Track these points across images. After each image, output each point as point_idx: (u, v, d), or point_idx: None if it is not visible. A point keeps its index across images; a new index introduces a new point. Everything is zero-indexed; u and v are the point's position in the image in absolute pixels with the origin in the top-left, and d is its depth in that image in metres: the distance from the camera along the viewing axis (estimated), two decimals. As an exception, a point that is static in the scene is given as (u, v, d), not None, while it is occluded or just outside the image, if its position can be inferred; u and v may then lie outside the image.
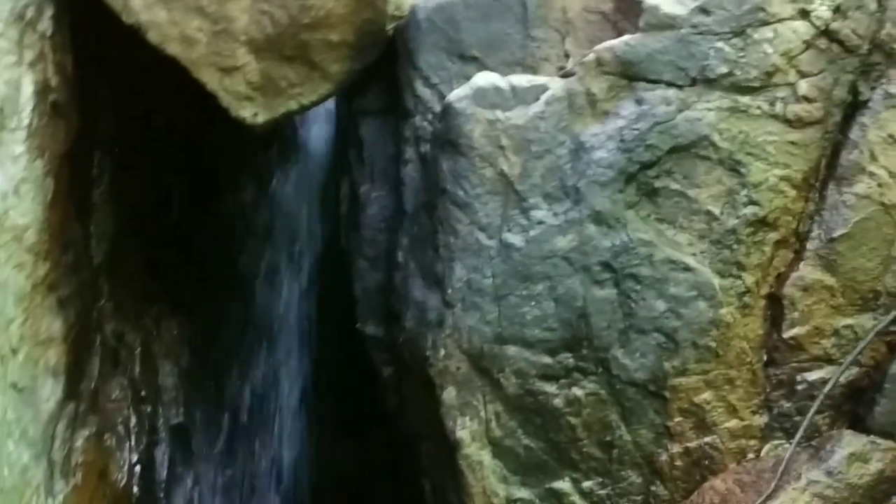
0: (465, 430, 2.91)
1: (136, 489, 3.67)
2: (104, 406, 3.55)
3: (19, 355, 2.74)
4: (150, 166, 3.90)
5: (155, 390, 4.02)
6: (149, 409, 3.93)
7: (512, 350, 2.87)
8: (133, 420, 3.75)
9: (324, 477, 4.21)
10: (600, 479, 2.88)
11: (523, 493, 2.91)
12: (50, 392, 2.90)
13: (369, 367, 3.48)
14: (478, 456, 2.92)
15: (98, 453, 3.22)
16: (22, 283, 2.78)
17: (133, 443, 3.72)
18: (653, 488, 2.89)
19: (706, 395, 2.85)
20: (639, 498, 2.88)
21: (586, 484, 2.89)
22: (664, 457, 2.87)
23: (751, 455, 2.89)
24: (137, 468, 3.71)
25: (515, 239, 2.86)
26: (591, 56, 2.89)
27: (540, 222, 2.86)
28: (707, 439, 2.89)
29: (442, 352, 2.94)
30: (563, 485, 2.90)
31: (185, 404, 4.19)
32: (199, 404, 4.18)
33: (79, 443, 3.04)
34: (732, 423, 2.86)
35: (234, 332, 4.23)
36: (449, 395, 2.92)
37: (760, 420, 2.87)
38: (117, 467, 3.51)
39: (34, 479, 2.67)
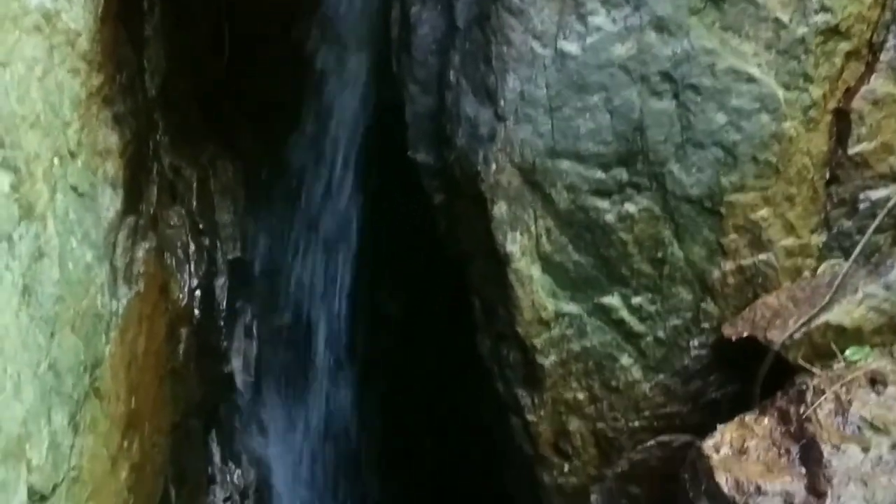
0: (515, 244, 2.82)
1: (196, 312, 3.72)
2: (163, 230, 3.60)
3: (78, 160, 2.72)
4: (201, 4, 3.83)
5: (212, 225, 4.03)
6: (206, 241, 3.95)
7: (565, 164, 2.74)
8: (192, 247, 3.78)
9: (374, 314, 4.27)
10: (650, 295, 2.78)
11: (572, 307, 2.86)
12: (109, 202, 2.89)
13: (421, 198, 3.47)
14: (527, 270, 2.86)
15: (159, 268, 3.24)
16: (77, 89, 2.73)
17: (192, 268, 3.76)
18: (703, 305, 2.80)
19: (763, 212, 2.72)
20: (688, 314, 2.79)
21: (635, 300, 2.80)
22: (716, 274, 2.76)
23: (806, 273, 2.78)
24: (198, 293, 3.75)
25: (571, 47, 2.70)
26: None
27: (597, 29, 2.69)
28: (762, 257, 2.76)
29: (493, 166, 2.83)
30: (612, 300, 2.82)
31: (243, 240, 4.25)
32: (256, 241, 4.24)
33: (140, 254, 3.05)
34: (789, 241, 2.73)
35: (289, 178, 4.24)
36: (499, 209, 2.82)
37: (818, 239, 2.74)
38: (178, 287, 3.56)
39: (98, 278, 2.70)
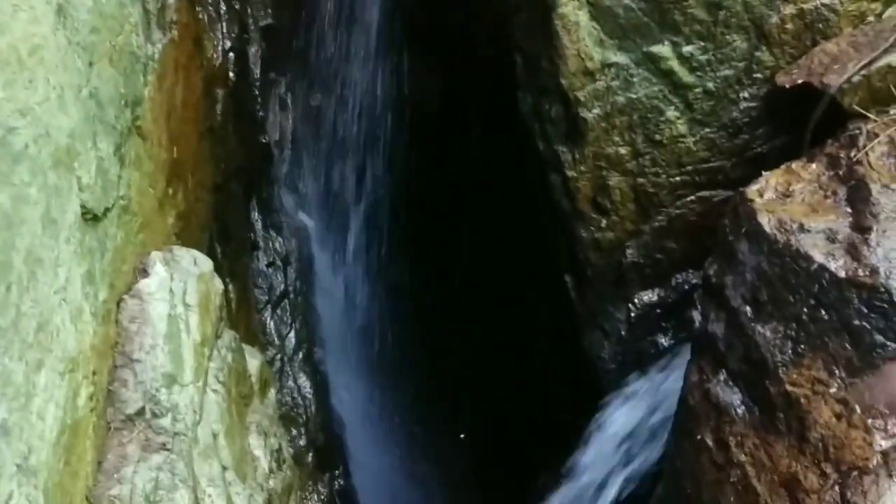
0: (562, -12, 2.78)
1: (231, 75, 3.65)
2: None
3: None
4: None
5: (243, -11, 3.93)
6: (237, 4, 3.85)
7: None
8: (223, 7, 3.68)
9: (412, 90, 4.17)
10: (702, 44, 2.64)
11: (619, 57, 2.71)
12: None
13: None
14: (574, 16, 2.70)
15: (191, 19, 3.11)
16: None
17: (225, 28, 3.64)
18: (757, 54, 2.65)
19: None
20: (741, 64, 2.66)
21: (687, 49, 2.65)
22: (774, 19, 2.59)
23: (870, 19, 2.62)
24: (231, 56, 3.67)
25: None
26: None
27: None
28: (825, 0, 2.67)
29: None
30: (662, 49, 2.67)
31: (274, 7, 4.11)
32: (286, 9, 4.10)
33: (171, 0, 2.99)
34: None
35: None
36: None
37: None
38: (212, 45, 3.45)
39: (131, 17, 2.60)
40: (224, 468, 2.31)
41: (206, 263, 2.61)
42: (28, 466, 1.50)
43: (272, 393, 2.87)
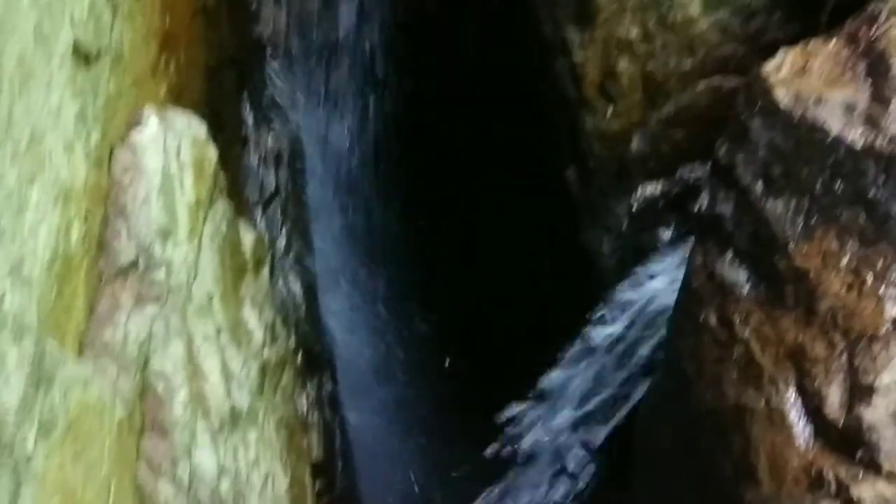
0: None
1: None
2: None
3: None
4: None
5: None
6: None
7: None
8: None
9: None
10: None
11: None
12: None
13: None
14: None
15: None
16: None
17: None
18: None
19: None
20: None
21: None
22: None
23: None
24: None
25: None
26: None
27: None
28: None
29: None
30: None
31: None
32: None
33: None
34: None
35: None
36: None
37: None
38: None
39: None
40: (218, 330, 2.26)
41: (201, 128, 2.52)
42: (21, 275, 1.44)
43: (265, 272, 2.83)
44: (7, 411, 1.39)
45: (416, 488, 3.89)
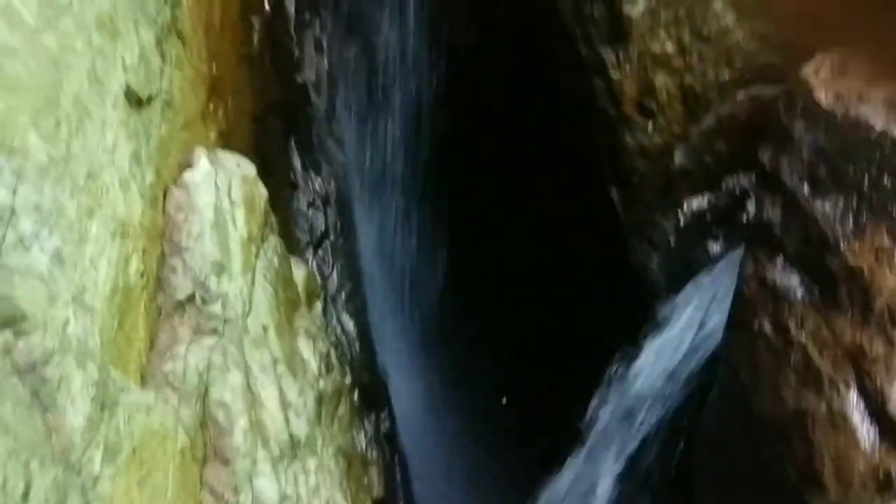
0: None
1: (267, 6, 3.70)
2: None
3: None
4: None
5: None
6: (269, -62, 3.86)
7: None
8: (256, -63, 3.70)
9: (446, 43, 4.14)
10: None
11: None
12: None
13: None
14: None
15: (226, -62, 3.20)
16: None
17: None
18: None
19: None
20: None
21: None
22: None
23: None
24: (268, -9, 3.72)
25: None
26: None
27: None
28: None
29: None
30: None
31: (308, -55, 4.11)
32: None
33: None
34: None
35: None
36: None
37: None
38: (247, -26, 3.51)
39: None
40: (275, 360, 2.31)
41: (251, 168, 2.61)
42: (83, 302, 1.51)
43: (318, 306, 2.87)
44: (74, 432, 1.45)
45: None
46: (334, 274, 4.14)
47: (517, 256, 3.98)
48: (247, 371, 2.14)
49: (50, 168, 1.42)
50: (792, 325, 2.26)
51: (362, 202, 4.25)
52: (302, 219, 4.08)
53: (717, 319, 2.69)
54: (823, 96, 2.27)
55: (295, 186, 4.07)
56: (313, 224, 4.12)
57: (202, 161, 2.37)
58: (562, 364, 3.63)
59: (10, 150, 1.36)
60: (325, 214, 4.15)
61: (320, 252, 4.15)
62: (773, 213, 2.39)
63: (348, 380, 3.91)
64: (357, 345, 4.08)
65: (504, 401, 4.27)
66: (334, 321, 4.11)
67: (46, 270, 1.39)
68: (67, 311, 1.43)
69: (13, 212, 1.38)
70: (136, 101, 2.10)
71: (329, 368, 2.58)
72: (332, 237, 4.15)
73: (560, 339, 3.67)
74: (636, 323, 3.07)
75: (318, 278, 4.12)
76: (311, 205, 4.10)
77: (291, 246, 3.91)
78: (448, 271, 4.25)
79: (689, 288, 2.77)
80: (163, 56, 2.35)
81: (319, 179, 4.15)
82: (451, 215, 4.24)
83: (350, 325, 4.14)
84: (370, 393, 4.01)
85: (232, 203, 2.39)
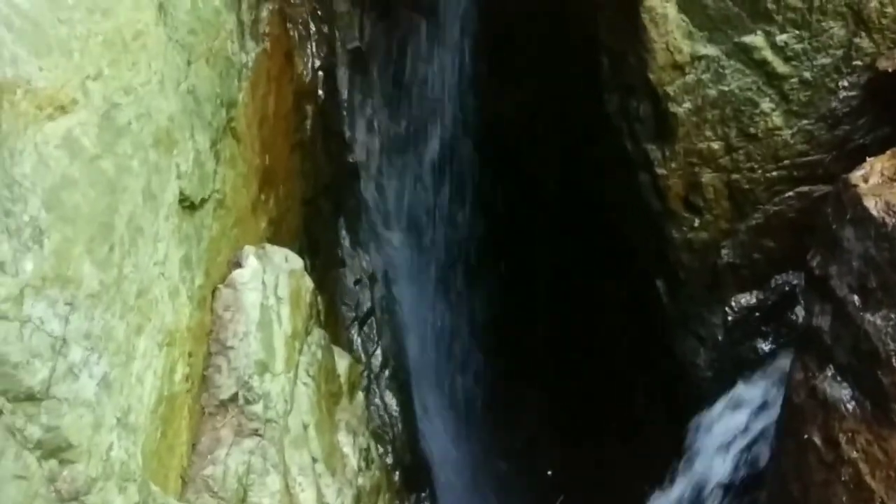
0: (648, -18, 2.76)
1: (320, 93, 3.78)
2: (284, 8, 3.61)
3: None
4: None
5: (330, 13, 4.05)
6: (325, 27, 3.96)
7: None
8: (312, 27, 3.79)
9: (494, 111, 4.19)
10: (797, 32, 2.58)
11: (709, 49, 2.66)
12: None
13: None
14: (662, 8, 2.67)
15: (283, 33, 3.23)
16: None
17: (314, 48, 3.78)
18: (856, 41, 2.56)
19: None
20: (839, 52, 2.58)
21: (781, 37, 2.59)
22: (874, 3, 2.51)
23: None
24: (321, 74, 3.80)
25: None
26: None
27: None
28: None
29: None
30: (755, 39, 2.61)
31: (360, 30, 4.22)
32: (374, 33, 4.20)
33: (264, 14, 3.05)
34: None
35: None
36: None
37: None
38: (302, 62, 3.57)
39: (227, 24, 2.71)
40: (314, 460, 2.31)
41: (298, 262, 2.66)
42: (127, 423, 1.54)
43: (360, 395, 2.88)
44: (114, 557, 1.46)
45: None
46: (378, 350, 4.17)
47: (560, 336, 3.96)
48: (286, 472, 2.15)
49: (102, 294, 1.48)
50: (843, 440, 2.19)
51: (409, 279, 4.29)
52: (348, 295, 4.14)
53: (765, 424, 2.64)
54: (874, 205, 2.23)
55: (342, 264, 4.14)
56: (359, 300, 4.16)
57: (250, 259, 2.40)
58: (605, 443, 3.58)
59: (65, 280, 1.42)
60: (372, 291, 4.19)
61: (365, 329, 4.18)
62: (823, 321, 2.34)
63: (390, 460, 3.92)
64: (399, 424, 4.09)
65: (549, 474, 4.21)
66: (377, 399, 4.12)
67: (94, 396, 1.43)
68: (111, 436, 1.46)
69: (65, 342, 1.43)
70: (188, 205, 2.17)
71: (369, 464, 2.58)
72: (377, 313, 4.20)
73: (602, 419, 3.62)
74: (683, 416, 3.04)
75: (363, 356, 4.17)
76: (357, 281, 4.16)
77: (337, 325, 3.97)
78: (493, 348, 4.25)
79: (737, 389, 2.73)
80: (217, 157, 2.42)
81: (367, 257, 4.20)
82: (495, 293, 4.25)
83: (393, 403, 4.14)
84: (412, 474, 4.00)
85: (278, 300, 2.43)
